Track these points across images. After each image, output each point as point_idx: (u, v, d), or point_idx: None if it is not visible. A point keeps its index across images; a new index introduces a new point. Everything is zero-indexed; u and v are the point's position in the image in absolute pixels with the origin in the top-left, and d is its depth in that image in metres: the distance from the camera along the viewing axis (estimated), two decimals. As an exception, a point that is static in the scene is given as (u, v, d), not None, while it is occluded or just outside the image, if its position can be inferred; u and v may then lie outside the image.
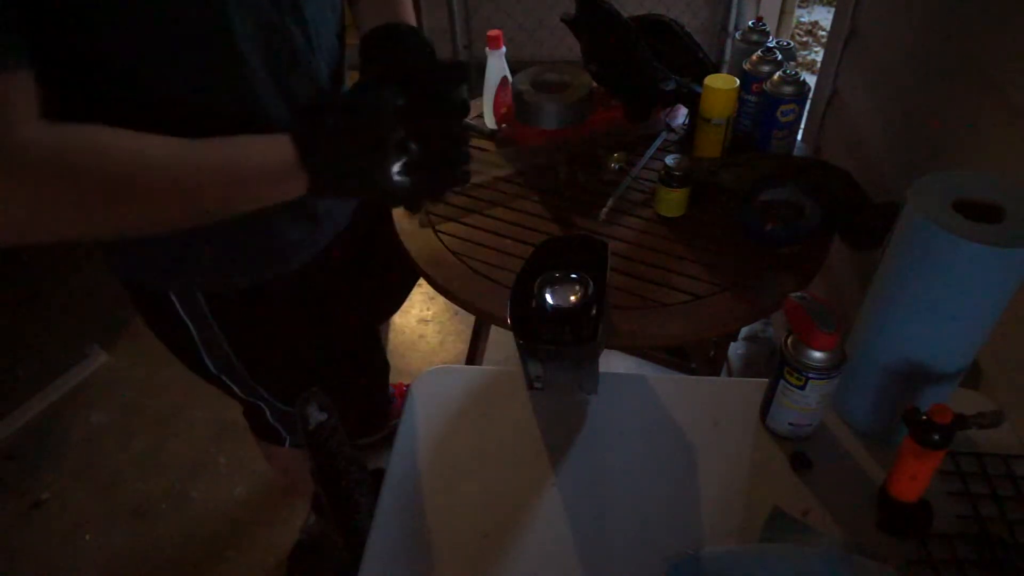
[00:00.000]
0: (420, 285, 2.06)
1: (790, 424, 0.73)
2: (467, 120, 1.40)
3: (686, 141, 1.30)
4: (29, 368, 1.89)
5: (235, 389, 0.94)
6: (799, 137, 1.29)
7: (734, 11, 2.61)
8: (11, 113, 0.48)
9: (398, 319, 2.02)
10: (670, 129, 1.34)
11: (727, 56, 2.70)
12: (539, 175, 1.26)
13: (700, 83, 1.17)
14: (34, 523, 1.56)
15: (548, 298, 0.71)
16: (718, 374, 1.43)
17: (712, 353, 1.41)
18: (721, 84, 1.14)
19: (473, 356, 1.54)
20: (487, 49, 1.31)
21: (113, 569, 1.48)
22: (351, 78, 0.71)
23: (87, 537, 1.53)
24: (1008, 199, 0.60)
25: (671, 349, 1.64)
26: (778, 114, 1.19)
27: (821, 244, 1.07)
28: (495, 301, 1.01)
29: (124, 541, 1.52)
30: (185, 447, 1.70)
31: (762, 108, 1.21)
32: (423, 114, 0.62)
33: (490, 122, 1.38)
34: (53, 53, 0.54)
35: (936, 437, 0.59)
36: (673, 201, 1.11)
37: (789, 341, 0.68)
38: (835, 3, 1.46)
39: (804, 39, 3.34)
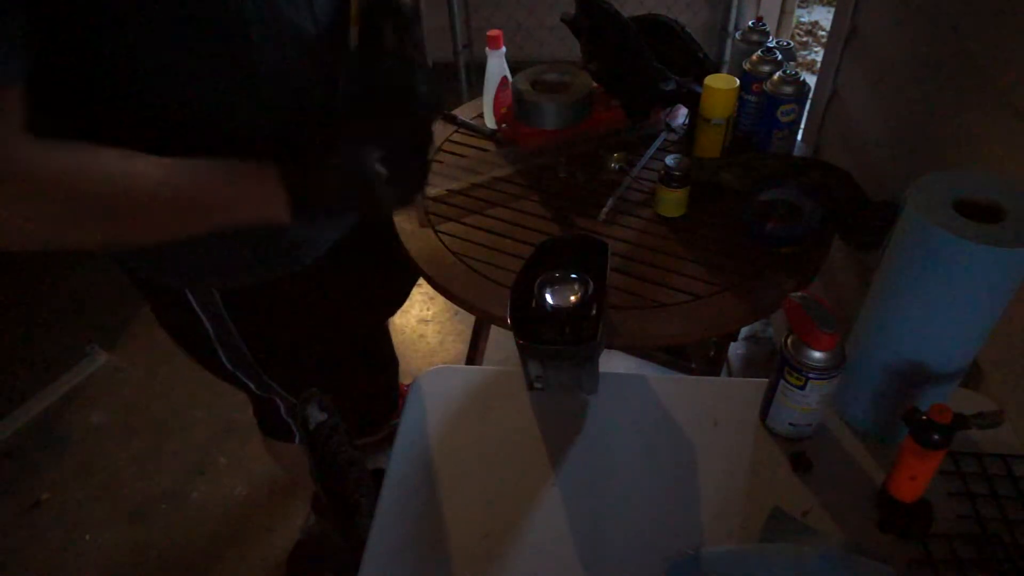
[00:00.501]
0: (420, 285, 2.06)
1: (790, 424, 0.73)
2: (466, 120, 1.40)
3: (686, 141, 1.30)
4: (29, 368, 1.89)
5: (250, 385, 0.96)
6: (799, 137, 1.29)
7: (734, 11, 2.61)
8: (2, 128, 0.49)
9: (398, 319, 2.02)
10: (670, 129, 1.34)
11: (727, 56, 2.70)
12: (539, 175, 1.26)
13: (700, 83, 1.17)
14: (34, 523, 1.56)
15: (548, 298, 0.71)
16: (718, 374, 1.43)
17: (712, 353, 1.41)
18: (721, 84, 1.15)
19: (473, 356, 1.54)
20: (487, 49, 1.31)
21: (113, 569, 1.48)
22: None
23: (87, 537, 1.53)
24: (1008, 199, 0.60)
25: (671, 349, 1.63)
26: (778, 114, 1.19)
27: (821, 244, 1.07)
28: (495, 301, 1.01)
29: (124, 541, 1.52)
30: (185, 447, 1.70)
31: (762, 108, 1.21)
32: (394, 138, 0.64)
33: (490, 122, 1.38)
34: (60, 59, 0.54)
35: (936, 437, 0.59)
36: (673, 201, 1.11)
37: (789, 341, 0.68)
38: (835, 3, 1.46)
39: (804, 39, 3.34)
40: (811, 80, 1.31)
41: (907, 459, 0.62)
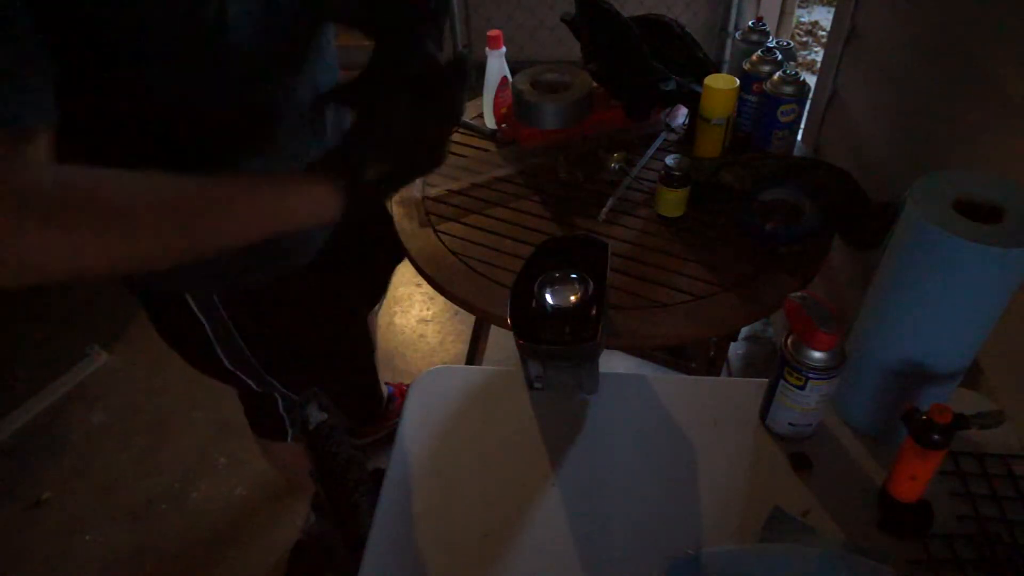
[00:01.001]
0: (420, 285, 2.07)
1: (790, 424, 0.73)
2: (466, 120, 1.40)
3: (686, 141, 1.30)
4: (29, 368, 1.89)
5: (250, 383, 0.97)
6: (799, 137, 1.29)
7: (734, 11, 2.61)
8: (30, 167, 0.48)
9: (398, 319, 2.02)
10: (670, 129, 1.34)
11: (727, 56, 2.70)
12: (539, 175, 1.26)
13: (700, 83, 1.17)
14: (34, 523, 1.56)
15: (548, 298, 0.71)
16: (718, 374, 1.43)
17: (712, 353, 1.41)
18: (721, 84, 1.15)
19: (473, 356, 1.54)
20: (487, 49, 1.31)
21: (113, 569, 1.48)
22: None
23: (87, 537, 1.53)
24: (1008, 199, 0.60)
25: (671, 349, 1.63)
26: (778, 114, 1.19)
27: (821, 244, 1.07)
28: (495, 301, 1.01)
29: (124, 541, 1.52)
30: (185, 447, 1.70)
31: (762, 108, 1.21)
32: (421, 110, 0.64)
33: (490, 122, 1.38)
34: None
35: (936, 437, 0.59)
36: (673, 201, 1.11)
37: (789, 341, 0.68)
38: (835, 3, 1.46)
39: (804, 39, 3.34)
40: (811, 80, 1.31)
41: (907, 459, 0.62)
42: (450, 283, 1.04)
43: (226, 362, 0.92)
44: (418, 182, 1.22)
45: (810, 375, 0.67)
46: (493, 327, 1.49)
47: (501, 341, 1.72)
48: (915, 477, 0.63)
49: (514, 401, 0.80)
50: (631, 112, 1.31)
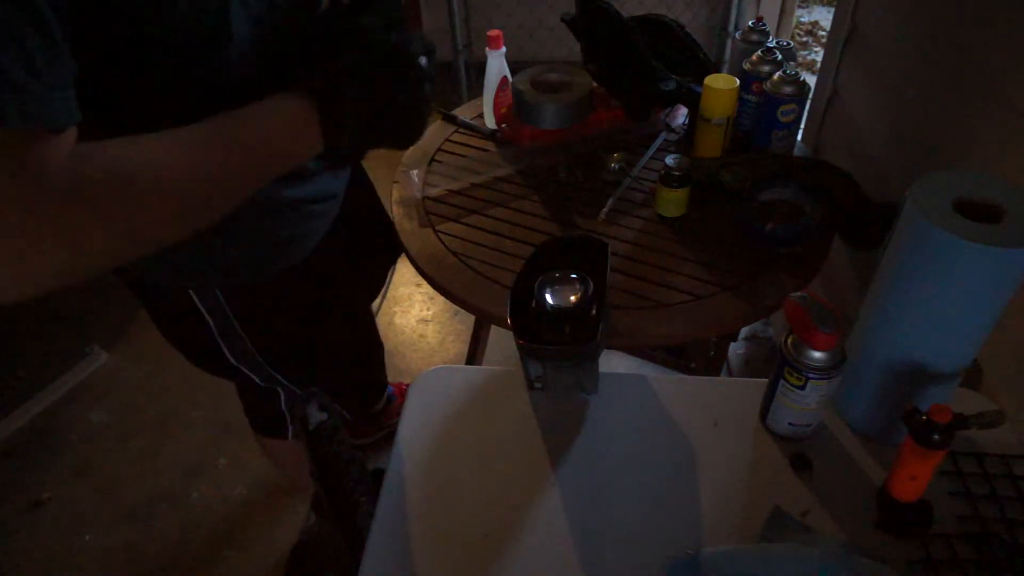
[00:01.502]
0: (420, 285, 2.07)
1: (790, 424, 0.73)
2: (466, 120, 1.40)
3: (686, 141, 1.30)
4: (29, 368, 1.89)
5: (253, 378, 0.98)
6: (799, 137, 1.29)
7: (734, 11, 2.61)
8: (56, 168, 0.48)
9: (398, 319, 2.02)
10: (670, 129, 1.34)
11: (727, 56, 2.70)
12: (539, 175, 1.26)
13: (700, 83, 1.17)
14: (34, 523, 1.56)
15: (548, 298, 0.71)
16: (718, 374, 1.43)
17: (712, 353, 1.41)
18: (721, 84, 1.15)
19: (473, 356, 1.54)
20: (487, 49, 1.31)
21: (113, 569, 1.48)
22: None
23: (87, 537, 1.53)
24: (1008, 199, 0.60)
25: (671, 349, 1.63)
26: (778, 114, 1.18)
27: (821, 244, 1.07)
28: (495, 301, 1.01)
29: (124, 541, 1.52)
30: (185, 447, 1.70)
31: (762, 108, 1.21)
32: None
33: (490, 122, 1.38)
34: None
35: (936, 437, 0.59)
36: (673, 201, 1.11)
37: (789, 341, 0.68)
38: (835, 3, 1.46)
39: (804, 39, 3.34)
40: (811, 80, 1.31)
41: (907, 459, 0.62)
42: (450, 283, 1.04)
43: (230, 357, 0.92)
44: (418, 182, 1.22)
45: (810, 375, 0.67)
46: (493, 327, 1.49)
47: (501, 341, 1.72)
48: (915, 477, 0.63)
49: (514, 401, 0.80)
50: (631, 112, 1.31)
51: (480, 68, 1.35)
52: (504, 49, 1.31)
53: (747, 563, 0.63)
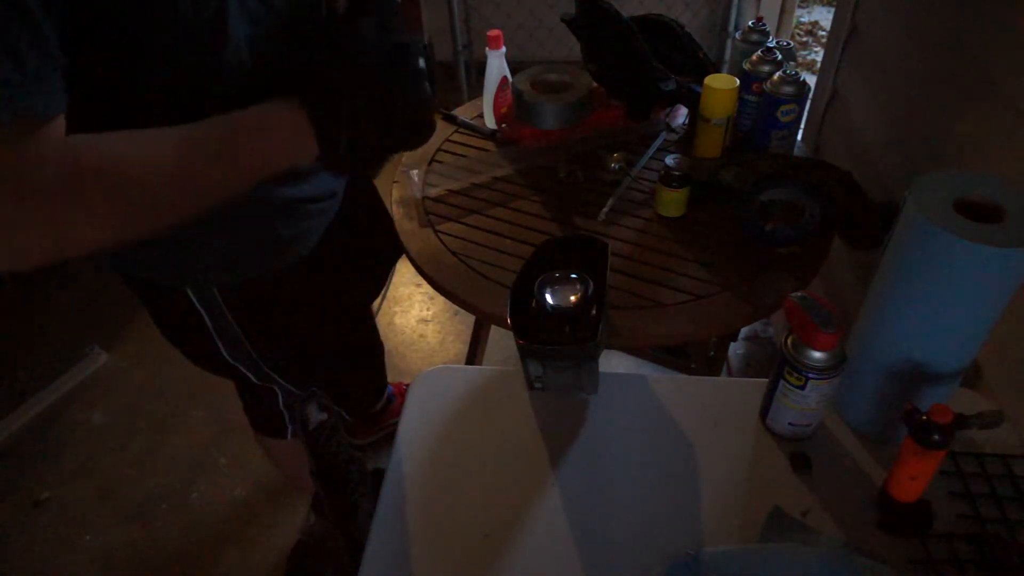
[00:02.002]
0: (420, 285, 2.07)
1: (790, 424, 0.73)
2: (466, 120, 1.40)
3: (686, 141, 1.30)
4: (29, 368, 1.89)
5: (250, 376, 0.98)
6: (799, 137, 1.29)
7: (734, 11, 2.61)
8: (42, 154, 0.50)
9: (398, 319, 2.02)
10: (670, 129, 1.34)
11: (727, 56, 2.70)
12: (539, 175, 1.26)
13: (700, 83, 1.17)
14: (34, 523, 1.56)
15: (548, 298, 0.71)
16: (718, 374, 1.43)
17: (712, 353, 1.41)
18: (721, 84, 1.15)
19: (473, 356, 1.54)
20: (487, 49, 1.31)
21: (113, 569, 1.48)
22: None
23: (87, 537, 1.53)
24: (1008, 199, 0.60)
25: (671, 349, 1.63)
26: (778, 114, 1.18)
27: (821, 244, 1.07)
28: (495, 301, 1.01)
29: (124, 541, 1.52)
30: (185, 447, 1.70)
31: (762, 108, 1.21)
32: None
33: (490, 122, 1.38)
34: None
35: (936, 437, 0.59)
36: (673, 201, 1.11)
37: (789, 341, 0.68)
38: (835, 3, 1.46)
39: (804, 39, 3.34)
40: (811, 80, 1.31)
41: (907, 459, 0.62)
42: (450, 283, 1.04)
43: (226, 355, 0.92)
44: (418, 182, 1.22)
45: (810, 375, 0.67)
46: (493, 327, 1.49)
47: (501, 341, 1.72)
48: (915, 477, 0.63)
49: (514, 401, 0.80)
50: (631, 112, 1.31)
51: (480, 68, 1.35)
52: (504, 49, 1.31)
53: (747, 563, 0.63)
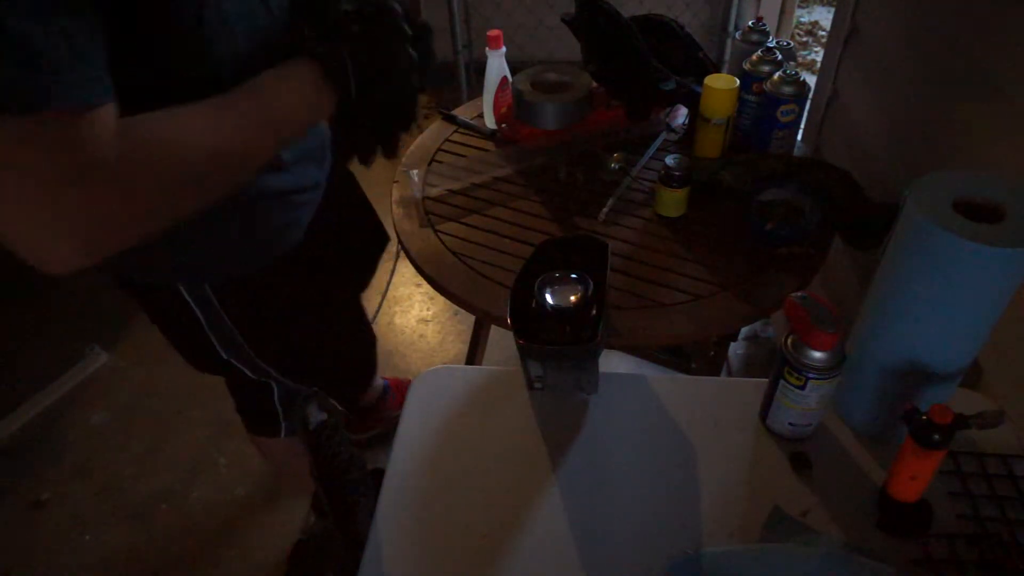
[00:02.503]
0: (420, 285, 2.07)
1: (790, 424, 0.73)
2: (466, 120, 1.40)
3: (686, 141, 1.30)
4: (29, 368, 1.89)
5: (245, 372, 0.98)
6: (799, 137, 1.29)
7: (734, 11, 2.61)
8: (92, 140, 0.50)
9: (398, 319, 2.02)
10: (670, 129, 1.34)
11: (727, 56, 2.70)
12: (539, 175, 1.26)
13: (700, 83, 1.17)
14: (34, 523, 1.56)
15: (548, 298, 0.71)
16: (718, 374, 1.43)
17: (712, 353, 1.41)
18: (721, 84, 1.15)
19: (473, 356, 1.54)
20: (487, 49, 1.31)
21: (113, 569, 1.48)
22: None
23: (87, 537, 1.53)
24: (1008, 199, 0.60)
25: (671, 349, 1.63)
26: (778, 114, 1.19)
27: (821, 244, 1.07)
28: (495, 301, 1.01)
29: (124, 541, 1.52)
30: (185, 447, 1.70)
31: (762, 108, 1.21)
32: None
33: (490, 122, 1.38)
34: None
35: (936, 437, 0.59)
36: (673, 201, 1.11)
37: (789, 341, 0.68)
38: (835, 3, 1.46)
39: (804, 39, 3.34)
40: (811, 80, 1.31)
41: (907, 459, 0.62)
42: (450, 283, 1.04)
43: (220, 351, 0.93)
44: (418, 182, 1.22)
45: (810, 375, 0.67)
46: (493, 327, 1.49)
47: (501, 341, 1.72)
48: (915, 477, 0.63)
49: (514, 401, 0.80)
50: (631, 112, 1.31)
51: (480, 68, 1.35)
52: (504, 49, 1.31)
53: (747, 563, 0.63)
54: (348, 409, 1.51)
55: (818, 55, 3.10)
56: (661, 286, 1.02)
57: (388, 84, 0.68)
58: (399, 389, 1.68)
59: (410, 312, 2.04)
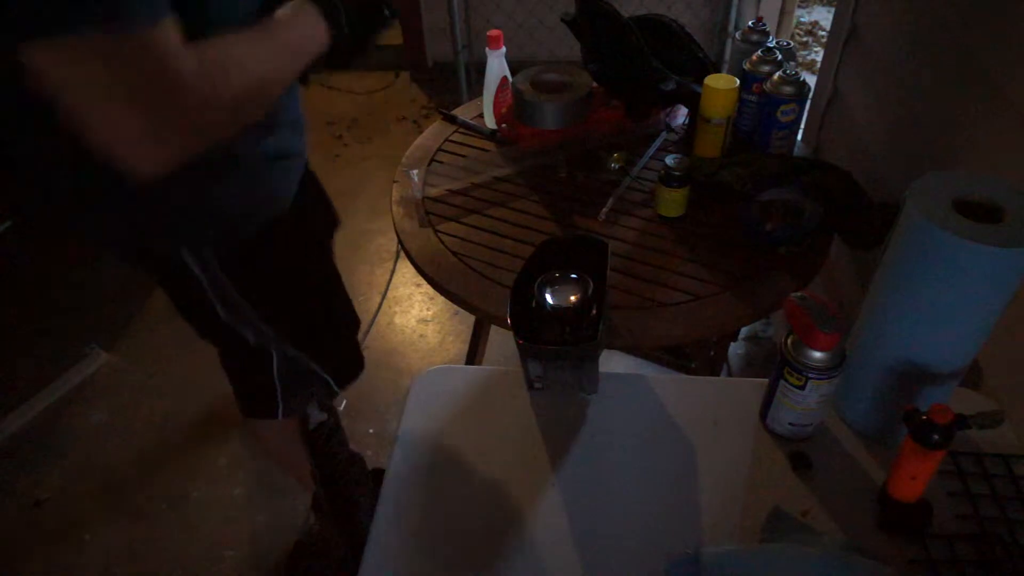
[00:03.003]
0: (420, 285, 2.07)
1: (790, 424, 0.73)
2: (466, 120, 1.40)
3: (686, 141, 1.30)
4: (29, 368, 1.89)
5: (248, 337, 1.01)
6: (799, 137, 1.29)
7: (734, 11, 2.61)
8: (175, 53, 0.57)
9: (398, 319, 2.02)
10: (670, 129, 1.34)
11: (727, 56, 2.70)
12: (539, 175, 1.26)
13: (700, 83, 1.17)
14: (34, 523, 1.56)
15: (548, 298, 0.71)
16: (718, 374, 1.43)
17: (712, 353, 1.41)
18: (721, 84, 1.15)
19: (473, 356, 1.54)
20: (487, 49, 1.31)
21: (113, 569, 1.48)
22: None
23: (87, 537, 1.53)
24: (1008, 199, 0.60)
25: (671, 349, 1.63)
26: (778, 114, 1.19)
27: (821, 244, 1.07)
28: (495, 301, 1.01)
29: (124, 541, 1.52)
30: (185, 447, 1.70)
31: (762, 108, 1.21)
32: None
33: (490, 122, 1.38)
34: None
35: (936, 437, 0.59)
36: (673, 201, 1.11)
37: (789, 341, 0.68)
38: (835, 3, 1.46)
39: (804, 39, 3.34)
40: (811, 80, 1.31)
41: (907, 459, 0.62)
42: (450, 283, 1.04)
43: (223, 316, 0.96)
44: (418, 182, 1.22)
45: (810, 375, 0.67)
46: (493, 327, 1.49)
47: (501, 341, 1.72)
48: (915, 477, 0.63)
49: (514, 401, 0.80)
50: (631, 112, 1.31)
51: (480, 68, 1.35)
52: (504, 49, 1.31)
53: (747, 563, 0.63)
54: (344, 385, 1.49)
55: (818, 55, 3.10)
56: (661, 286, 1.02)
57: (370, 22, 0.82)
58: None
59: (410, 312, 2.04)
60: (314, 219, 1.08)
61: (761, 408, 0.76)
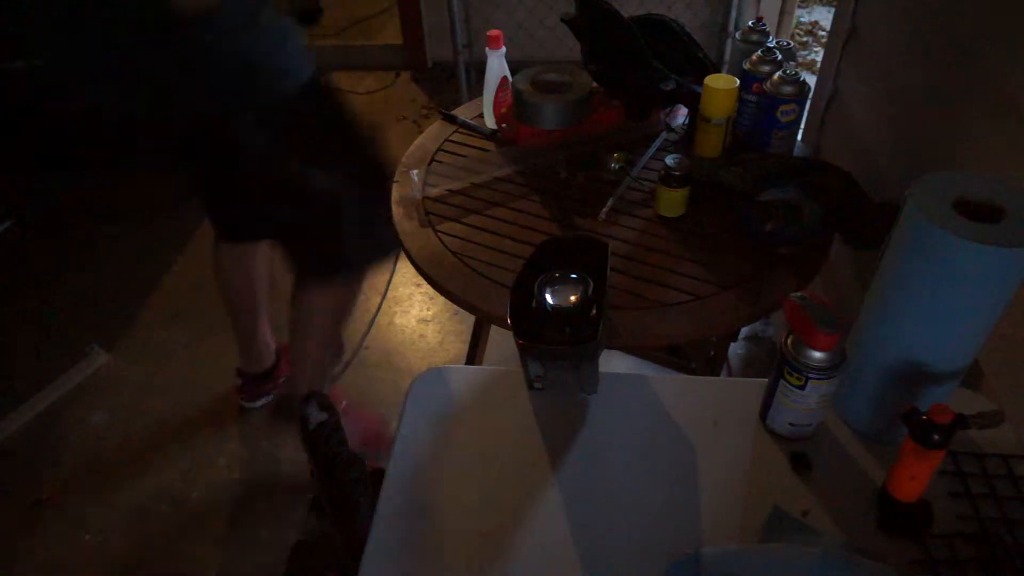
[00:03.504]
0: (420, 285, 2.07)
1: (790, 424, 0.73)
2: (466, 120, 1.40)
3: (686, 141, 1.30)
4: (29, 368, 1.89)
5: (289, 188, 1.19)
6: (799, 137, 1.29)
7: (734, 11, 2.61)
8: None
9: (398, 319, 2.02)
10: (670, 129, 1.34)
11: (727, 56, 2.70)
12: (539, 175, 1.26)
13: (700, 83, 1.17)
14: (34, 523, 1.56)
15: (548, 298, 0.71)
16: (718, 374, 1.43)
17: (712, 353, 1.41)
18: (721, 84, 1.15)
19: (473, 356, 1.54)
20: (487, 49, 1.31)
21: (113, 569, 1.48)
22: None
23: (87, 537, 1.53)
24: (1008, 199, 0.60)
25: (671, 349, 1.63)
26: (778, 114, 1.19)
27: (821, 244, 1.07)
28: (495, 301, 1.01)
29: (124, 541, 1.52)
30: (185, 447, 1.70)
31: (762, 108, 1.21)
32: None
33: (490, 122, 1.38)
34: None
35: (936, 437, 0.59)
36: (673, 201, 1.11)
37: (789, 341, 0.68)
38: (835, 3, 1.46)
39: (804, 39, 3.34)
40: (811, 80, 1.31)
41: (907, 459, 0.62)
42: (450, 283, 1.04)
43: (271, 170, 1.15)
44: (418, 182, 1.22)
45: (810, 375, 0.67)
46: (493, 327, 1.49)
47: (501, 341, 1.72)
48: (915, 477, 0.63)
49: (514, 401, 0.80)
50: (631, 112, 1.31)
51: (480, 68, 1.35)
52: (504, 49, 1.31)
53: (747, 563, 0.63)
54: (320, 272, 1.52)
55: (818, 55, 3.10)
56: (661, 286, 1.02)
57: None
58: (287, 353, 1.74)
59: (410, 312, 2.04)
60: (332, 96, 1.30)
61: (761, 408, 0.76)
